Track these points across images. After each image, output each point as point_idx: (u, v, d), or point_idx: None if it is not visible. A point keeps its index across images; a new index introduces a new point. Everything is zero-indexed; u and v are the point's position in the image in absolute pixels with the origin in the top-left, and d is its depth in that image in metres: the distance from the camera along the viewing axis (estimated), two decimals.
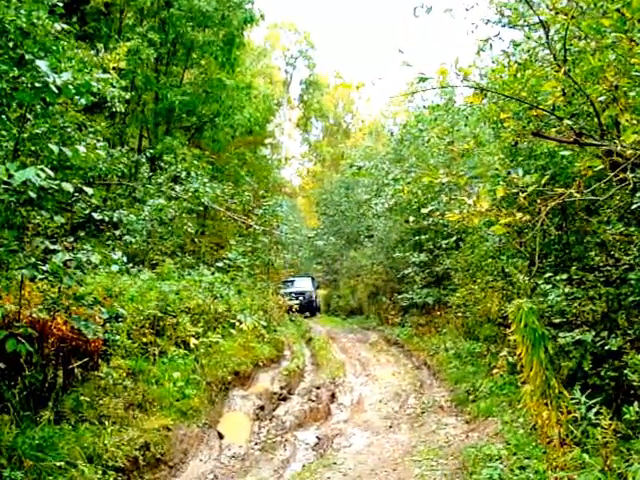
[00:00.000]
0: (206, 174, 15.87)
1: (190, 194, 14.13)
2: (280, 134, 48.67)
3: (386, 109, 38.55)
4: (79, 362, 6.93)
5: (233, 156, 24.03)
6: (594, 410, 5.52)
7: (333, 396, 10.97)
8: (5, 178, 4.52)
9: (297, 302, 22.72)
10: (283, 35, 49.26)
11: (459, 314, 13.44)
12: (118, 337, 7.90)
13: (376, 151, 24.48)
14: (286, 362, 13.47)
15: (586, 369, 7.00)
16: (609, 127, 6.13)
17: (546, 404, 5.93)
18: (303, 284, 29.32)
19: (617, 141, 4.79)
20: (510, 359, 8.14)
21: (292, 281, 28.33)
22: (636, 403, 5.51)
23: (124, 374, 7.69)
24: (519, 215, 4.97)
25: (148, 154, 15.61)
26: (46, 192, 4.94)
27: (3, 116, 6.03)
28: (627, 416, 5.51)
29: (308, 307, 27.46)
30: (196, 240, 17.15)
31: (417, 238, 17.32)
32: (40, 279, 6.06)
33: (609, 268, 7.30)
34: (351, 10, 74.92)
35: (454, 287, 14.11)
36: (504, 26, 9.80)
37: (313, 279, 31.60)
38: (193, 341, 10.02)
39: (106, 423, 6.58)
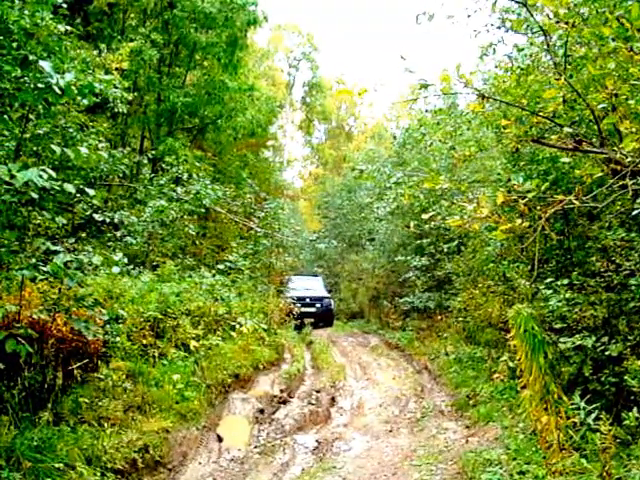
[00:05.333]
0: (208, 176, 15.88)
1: (192, 196, 14.14)
2: (282, 136, 48.72)
3: (389, 112, 38.62)
4: (79, 363, 6.92)
5: (235, 158, 24.00)
6: (593, 415, 5.53)
7: (333, 400, 10.96)
8: (7, 178, 4.52)
9: (312, 311, 20.74)
10: (286, 37, 49.30)
11: (460, 318, 13.44)
12: (118, 339, 7.89)
13: (378, 154, 24.47)
14: (286, 365, 13.45)
15: (586, 374, 7.00)
16: (610, 134, 6.13)
17: (545, 409, 5.94)
18: (315, 286, 23.49)
19: (616, 149, 4.80)
20: (510, 364, 8.14)
21: (298, 280, 22.06)
22: (636, 409, 5.51)
23: (124, 376, 7.68)
24: (519, 222, 4.97)
25: (150, 155, 15.63)
26: (48, 193, 4.94)
27: (5, 116, 6.03)
28: (627, 422, 5.51)
29: (325, 317, 22.16)
30: (197, 242, 17.14)
31: (419, 242, 17.32)
32: (41, 280, 6.07)
33: (610, 274, 7.31)
34: (355, 13, 74.93)
35: (455, 291, 14.12)
36: (507, 31, 9.83)
37: (324, 280, 26.21)
38: (193, 343, 10.00)
39: (105, 425, 6.56)
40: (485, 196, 5.57)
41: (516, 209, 5.64)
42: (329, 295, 23.89)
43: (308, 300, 20.96)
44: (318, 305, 21.90)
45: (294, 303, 17.85)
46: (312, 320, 20.32)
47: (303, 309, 18.99)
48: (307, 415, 9.71)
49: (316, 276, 26.57)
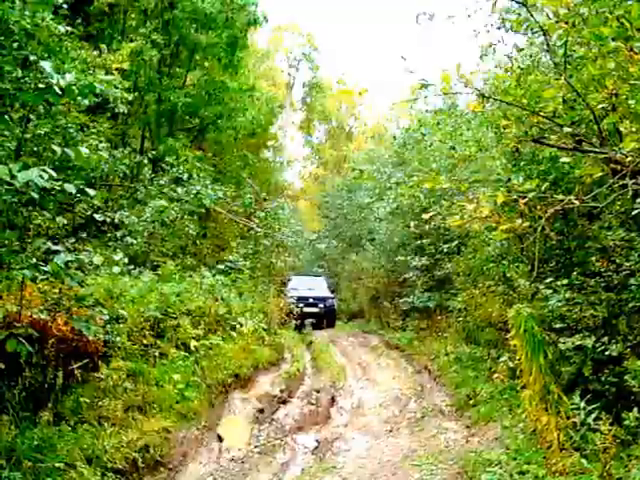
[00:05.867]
0: (208, 176, 15.88)
1: (192, 196, 14.15)
2: (283, 137, 48.61)
3: (389, 112, 38.56)
4: (79, 363, 6.93)
5: (235, 158, 23.96)
6: (593, 415, 5.53)
7: (333, 400, 10.95)
8: (8, 179, 4.52)
9: (315, 311, 20.56)
10: (286, 37, 49.20)
11: (460, 318, 13.42)
12: (118, 338, 7.90)
13: (378, 155, 24.44)
14: (286, 365, 13.43)
15: (587, 374, 6.99)
16: (610, 134, 6.14)
17: (545, 409, 5.95)
18: (318, 286, 22.89)
19: (616, 148, 4.80)
20: (510, 364, 8.14)
21: (300, 280, 21.95)
22: (636, 409, 5.51)
23: (124, 376, 7.68)
24: (519, 222, 4.98)
25: (150, 155, 15.63)
26: (48, 193, 4.93)
27: (6, 116, 6.03)
28: (627, 422, 5.51)
29: (328, 317, 21.95)
30: (197, 242, 17.14)
31: (419, 242, 17.29)
32: (41, 280, 6.07)
33: (610, 274, 7.31)
34: (355, 13, 74.86)
35: (455, 291, 14.10)
36: (507, 31, 9.84)
37: (327, 280, 25.47)
38: (193, 343, 10.00)
39: (105, 425, 6.58)
40: (485, 196, 5.57)
41: (516, 209, 5.65)
42: (332, 295, 23.51)
43: (311, 300, 20.70)
44: (321, 305, 21.61)
45: (296, 303, 17.74)
46: (314, 320, 20.06)
47: (306, 309, 18.89)
48: (307, 415, 9.72)
49: (319, 276, 26.23)
